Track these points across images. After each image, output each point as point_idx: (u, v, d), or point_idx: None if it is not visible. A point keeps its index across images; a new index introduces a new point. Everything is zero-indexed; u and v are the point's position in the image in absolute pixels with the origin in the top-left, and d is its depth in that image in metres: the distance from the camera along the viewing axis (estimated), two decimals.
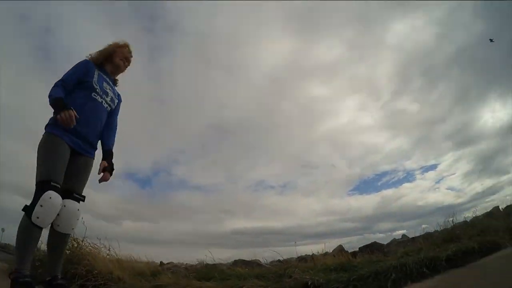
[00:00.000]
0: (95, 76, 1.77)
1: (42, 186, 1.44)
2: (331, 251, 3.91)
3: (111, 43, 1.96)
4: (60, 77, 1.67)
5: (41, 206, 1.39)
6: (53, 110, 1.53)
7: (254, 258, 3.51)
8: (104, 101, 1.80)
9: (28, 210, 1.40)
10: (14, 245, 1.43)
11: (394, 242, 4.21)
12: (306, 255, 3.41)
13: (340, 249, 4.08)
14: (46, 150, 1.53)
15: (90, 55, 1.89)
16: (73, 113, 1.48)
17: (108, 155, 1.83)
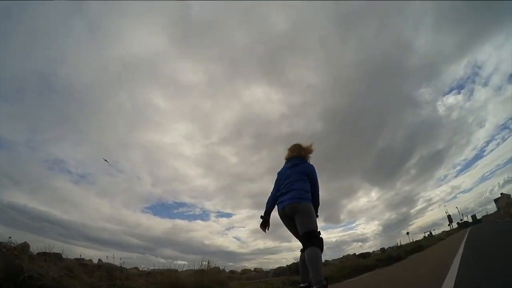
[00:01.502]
0: None
1: (319, 233, 2.43)
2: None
3: (312, 147, 2.85)
4: (318, 191, 2.68)
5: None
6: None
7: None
8: None
9: (320, 245, 2.34)
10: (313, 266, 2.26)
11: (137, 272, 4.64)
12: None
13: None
14: (314, 214, 2.52)
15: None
16: None
17: None
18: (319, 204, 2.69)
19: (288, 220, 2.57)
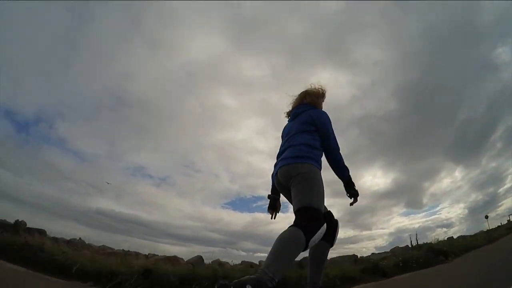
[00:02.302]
0: None
1: (320, 215, 1.54)
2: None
3: (322, 89, 2.06)
4: (337, 146, 1.84)
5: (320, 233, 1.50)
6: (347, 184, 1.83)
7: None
8: None
9: (312, 231, 1.43)
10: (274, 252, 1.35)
11: None
12: None
13: None
14: (320, 183, 1.65)
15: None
16: None
17: None
18: (343, 168, 1.81)
19: (286, 191, 1.76)
